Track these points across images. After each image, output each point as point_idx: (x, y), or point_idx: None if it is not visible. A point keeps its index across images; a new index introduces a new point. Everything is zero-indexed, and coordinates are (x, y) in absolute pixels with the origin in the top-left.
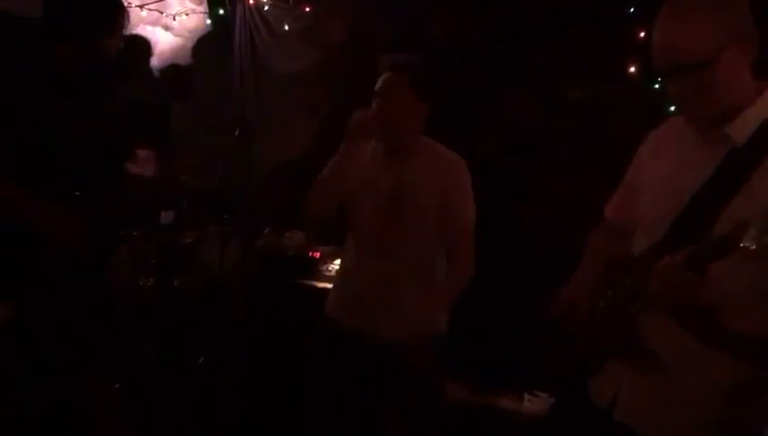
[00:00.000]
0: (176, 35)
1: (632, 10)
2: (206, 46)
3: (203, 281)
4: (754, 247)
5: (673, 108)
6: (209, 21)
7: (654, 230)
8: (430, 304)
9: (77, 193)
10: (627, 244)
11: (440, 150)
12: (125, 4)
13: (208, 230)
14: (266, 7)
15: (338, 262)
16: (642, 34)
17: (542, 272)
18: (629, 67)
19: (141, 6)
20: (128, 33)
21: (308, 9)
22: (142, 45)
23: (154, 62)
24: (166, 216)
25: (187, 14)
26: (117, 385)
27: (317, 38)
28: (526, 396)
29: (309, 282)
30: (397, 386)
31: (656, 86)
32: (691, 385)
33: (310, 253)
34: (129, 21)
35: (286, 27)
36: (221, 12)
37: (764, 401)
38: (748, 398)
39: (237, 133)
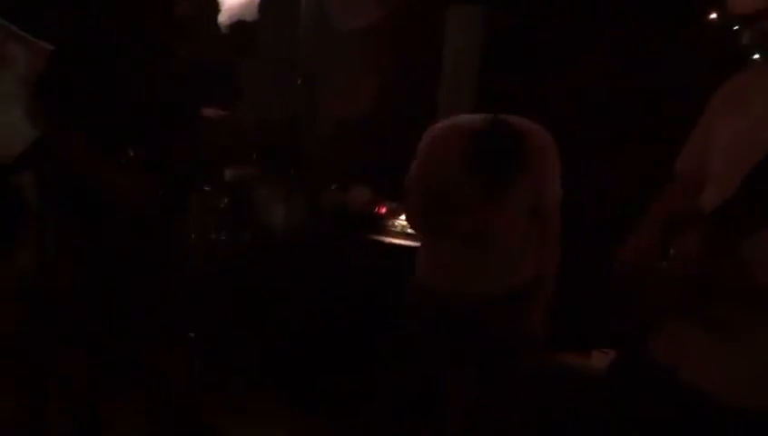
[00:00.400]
0: None
1: None
2: (273, 1)
3: (272, 235)
4: None
5: (757, 56)
6: None
7: (725, 185)
8: (520, 270)
9: (146, 150)
10: (696, 200)
11: (523, 126)
12: None
13: (275, 185)
14: None
15: (404, 217)
16: None
17: (609, 228)
18: (709, 14)
19: None
20: None
21: None
22: (210, 2)
23: (222, 18)
24: (233, 173)
25: None
26: (192, 335)
27: None
28: (595, 353)
29: (375, 238)
30: (477, 345)
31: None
32: (762, 347)
33: (376, 209)
34: None
35: None
36: None
37: None
38: None
39: (300, 81)
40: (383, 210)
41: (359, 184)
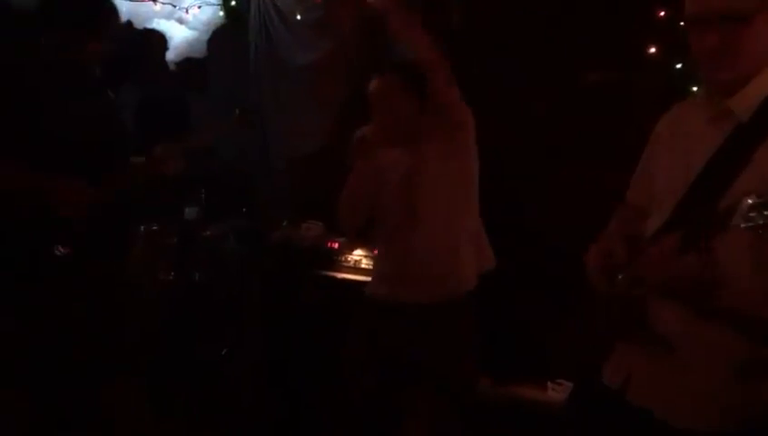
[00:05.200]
0: (190, 28)
1: None
2: (221, 38)
3: (223, 274)
4: (743, 225)
5: (695, 88)
6: (222, 13)
7: (664, 210)
8: (459, 264)
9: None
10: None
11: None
12: None
13: (227, 223)
14: None
15: (357, 252)
16: (662, 14)
17: (559, 261)
18: (649, 49)
19: (154, 0)
20: (142, 27)
21: None
22: (157, 39)
23: (170, 55)
24: (190, 212)
25: (200, 7)
26: (140, 379)
27: (330, 28)
28: (550, 385)
29: (328, 274)
30: (428, 357)
31: (678, 67)
32: (700, 364)
33: (329, 244)
34: (117, 22)
35: (299, 17)
36: (235, 3)
37: None
38: (760, 375)
39: (237, 112)
40: (335, 245)
41: (310, 220)
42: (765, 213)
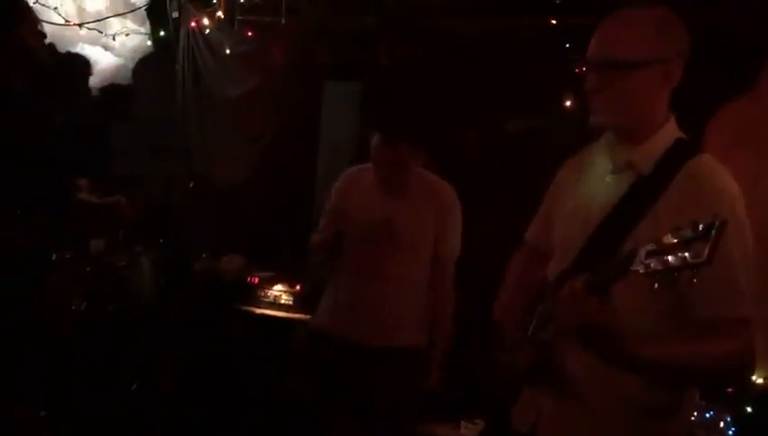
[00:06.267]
0: (116, 55)
1: (568, 45)
2: (147, 67)
3: (138, 305)
4: (642, 271)
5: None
6: (150, 42)
7: (565, 256)
8: (415, 318)
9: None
10: (546, 267)
11: (431, 180)
12: (64, 21)
13: (144, 253)
14: (208, 30)
15: (277, 287)
16: (577, 69)
17: (478, 297)
18: (565, 101)
19: (80, 25)
20: (66, 51)
21: (250, 33)
22: (81, 64)
23: (94, 81)
24: (96, 244)
25: (127, 35)
26: (43, 413)
27: (259, 63)
28: (463, 423)
29: (246, 308)
30: (371, 391)
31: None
32: (604, 406)
33: (249, 278)
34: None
35: (228, 51)
36: (163, 33)
37: (677, 418)
38: (660, 415)
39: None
40: (255, 280)
41: (231, 253)
42: (663, 259)
